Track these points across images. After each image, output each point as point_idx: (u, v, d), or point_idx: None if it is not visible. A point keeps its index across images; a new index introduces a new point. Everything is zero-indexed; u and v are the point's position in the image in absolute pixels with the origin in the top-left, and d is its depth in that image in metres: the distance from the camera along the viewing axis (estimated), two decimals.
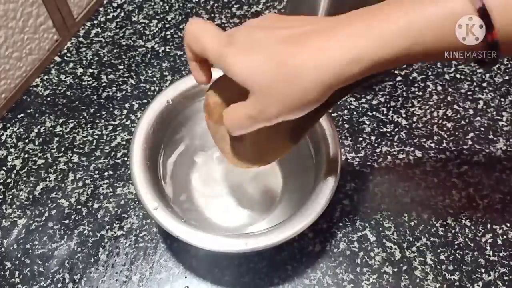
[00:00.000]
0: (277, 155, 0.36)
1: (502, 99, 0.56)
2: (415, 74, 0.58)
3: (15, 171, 0.51)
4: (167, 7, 0.64)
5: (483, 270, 0.45)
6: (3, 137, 0.53)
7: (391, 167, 0.51)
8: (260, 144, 0.36)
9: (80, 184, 0.50)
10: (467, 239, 0.47)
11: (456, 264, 0.46)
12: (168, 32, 0.61)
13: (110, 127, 0.54)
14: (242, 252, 0.37)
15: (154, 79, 0.58)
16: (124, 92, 0.57)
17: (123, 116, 0.55)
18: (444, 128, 0.54)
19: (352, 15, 0.28)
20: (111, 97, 0.56)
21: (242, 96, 0.29)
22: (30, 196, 0.50)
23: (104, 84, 0.57)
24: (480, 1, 0.25)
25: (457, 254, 0.46)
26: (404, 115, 0.55)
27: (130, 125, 0.54)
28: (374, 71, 0.27)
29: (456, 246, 0.47)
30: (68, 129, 0.54)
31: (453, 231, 0.47)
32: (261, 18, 0.30)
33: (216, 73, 0.34)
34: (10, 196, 0.50)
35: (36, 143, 0.53)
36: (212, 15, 0.63)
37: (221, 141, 0.37)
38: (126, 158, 0.52)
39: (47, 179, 0.51)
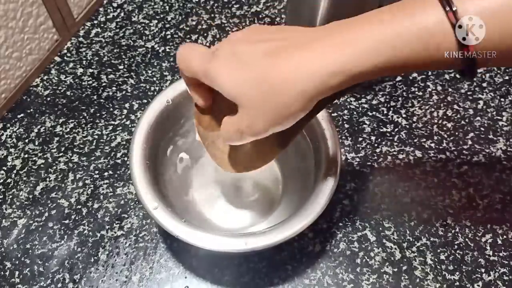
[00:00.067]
0: (266, 160, 0.36)
1: (502, 99, 0.56)
2: (415, 74, 0.58)
3: (15, 171, 0.51)
4: (167, 7, 0.64)
5: (483, 270, 0.45)
6: (3, 137, 0.53)
7: (391, 167, 0.51)
8: (249, 150, 0.37)
9: (80, 184, 0.50)
10: (467, 239, 0.47)
11: (456, 264, 0.46)
12: (168, 32, 0.61)
13: (110, 127, 0.54)
14: (242, 252, 0.37)
15: (154, 79, 0.58)
16: (124, 92, 0.57)
17: (123, 116, 0.55)
18: (444, 128, 0.54)
19: (331, 28, 0.28)
20: (111, 97, 0.56)
21: (231, 103, 0.30)
22: (30, 196, 0.50)
23: (104, 84, 0.57)
24: (454, 17, 0.25)
25: (457, 254, 0.46)
26: (404, 115, 0.55)
27: (130, 125, 0.54)
28: (354, 82, 0.28)
29: (456, 246, 0.47)
30: (68, 129, 0.54)
31: (453, 231, 0.47)
32: (243, 31, 0.31)
33: None
34: (10, 196, 0.50)
35: (36, 143, 0.53)
36: (212, 15, 0.63)
37: (210, 147, 0.38)
38: (126, 158, 0.52)
39: (47, 179, 0.51)
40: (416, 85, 0.57)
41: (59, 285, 0.45)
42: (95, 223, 0.48)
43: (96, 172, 0.51)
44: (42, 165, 0.52)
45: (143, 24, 0.62)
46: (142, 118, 0.43)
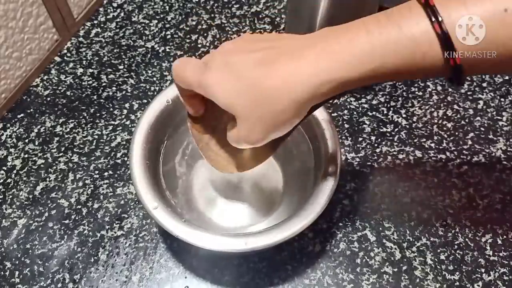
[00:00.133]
0: (260, 160, 0.37)
1: (502, 99, 0.56)
2: None
3: (15, 171, 0.51)
4: (167, 7, 0.64)
5: (483, 270, 0.45)
6: (3, 137, 0.53)
7: (391, 167, 0.51)
8: (243, 152, 0.38)
9: (80, 184, 0.50)
10: (467, 239, 0.47)
11: (456, 264, 0.46)
12: (168, 32, 0.61)
13: (110, 127, 0.54)
14: (242, 251, 0.37)
15: (154, 79, 0.58)
16: (124, 92, 0.57)
17: (123, 116, 0.55)
18: (444, 128, 0.54)
19: (321, 35, 0.29)
20: (111, 97, 0.56)
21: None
22: (30, 196, 0.50)
23: (104, 84, 0.57)
24: (440, 27, 0.25)
25: (457, 254, 0.46)
26: (404, 115, 0.55)
27: (130, 125, 0.54)
28: (345, 89, 0.28)
29: (456, 246, 0.47)
30: (68, 129, 0.54)
31: (453, 231, 0.47)
32: (235, 41, 0.31)
33: None
34: (10, 196, 0.50)
35: (36, 143, 0.53)
36: (212, 15, 0.63)
37: (205, 148, 0.38)
38: (126, 158, 0.52)
39: (47, 179, 0.51)
40: (416, 85, 0.57)
41: (59, 285, 0.45)
42: (95, 223, 0.48)
43: (96, 172, 0.51)
44: (42, 165, 0.52)
45: (143, 24, 0.62)
46: (142, 118, 0.43)
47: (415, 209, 0.49)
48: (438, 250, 0.46)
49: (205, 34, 0.61)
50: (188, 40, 0.61)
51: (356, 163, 0.51)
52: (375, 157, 0.52)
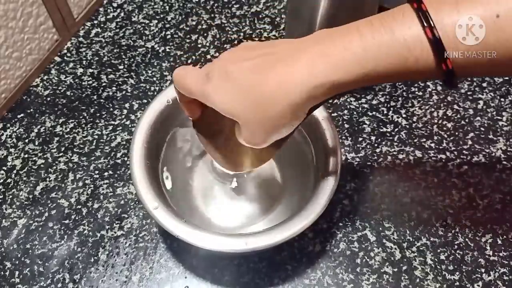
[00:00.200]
0: (264, 160, 0.38)
1: (502, 99, 0.56)
2: None
3: (15, 171, 0.51)
4: (167, 7, 0.64)
5: (483, 270, 0.45)
6: (3, 137, 0.53)
7: (391, 167, 0.51)
8: (247, 151, 0.38)
9: (80, 184, 0.50)
10: (467, 239, 0.47)
11: (456, 264, 0.46)
12: (168, 32, 0.61)
13: (110, 127, 0.54)
14: (242, 252, 0.37)
15: (154, 79, 0.58)
16: (124, 92, 0.57)
17: (123, 116, 0.55)
18: (444, 128, 0.54)
19: (315, 38, 0.29)
20: (111, 97, 0.56)
21: None
22: (30, 196, 0.50)
23: (104, 84, 0.57)
24: (431, 32, 0.25)
25: (457, 254, 0.46)
26: (404, 115, 0.55)
27: (130, 125, 0.54)
28: (340, 91, 0.29)
29: (456, 246, 0.47)
30: (68, 129, 0.54)
31: (453, 231, 0.47)
32: (232, 51, 0.32)
33: None
34: (10, 196, 0.50)
35: (36, 143, 0.53)
36: (212, 15, 0.63)
37: (211, 149, 0.39)
38: (126, 158, 0.52)
39: (47, 179, 0.51)
40: (416, 85, 0.57)
41: (59, 285, 0.45)
42: (95, 223, 0.48)
43: (96, 172, 0.51)
44: (42, 165, 0.52)
45: (143, 24, 0.62)
46: (142, 118, 0.43)
47: (415, 209, 0.49)
48: (438, 250, 0.46)
49: (205, 34, 0.61)
50: (188, 40, 0.61)
51: (356, 163, 0.51)
52: (375, 157, 0.52)
